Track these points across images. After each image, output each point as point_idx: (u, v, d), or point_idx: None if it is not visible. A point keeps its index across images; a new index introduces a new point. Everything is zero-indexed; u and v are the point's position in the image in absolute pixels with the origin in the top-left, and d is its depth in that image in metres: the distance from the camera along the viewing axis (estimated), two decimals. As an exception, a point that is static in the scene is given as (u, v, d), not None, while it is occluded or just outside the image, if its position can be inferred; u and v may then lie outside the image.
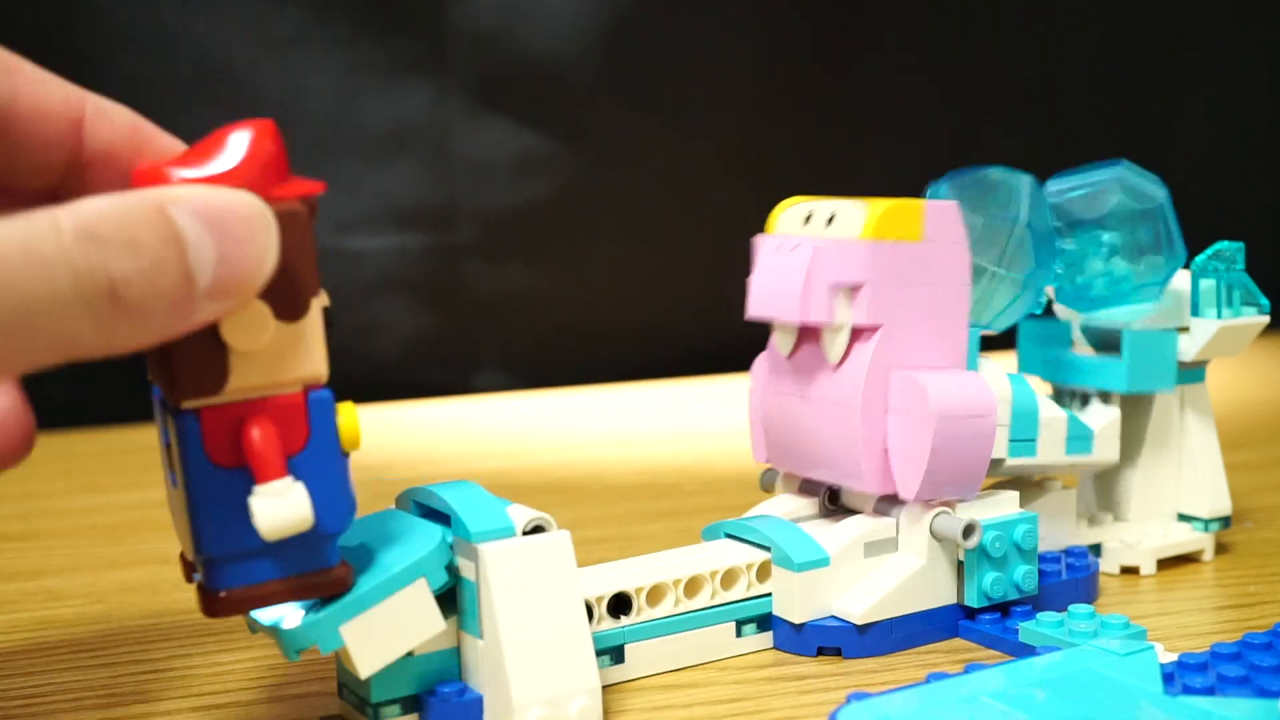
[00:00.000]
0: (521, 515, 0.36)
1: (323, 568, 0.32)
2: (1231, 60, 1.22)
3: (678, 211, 1.06)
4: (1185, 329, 0.50)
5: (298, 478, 0.31)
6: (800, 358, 0.44)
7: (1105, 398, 0.49)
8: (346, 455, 0.32)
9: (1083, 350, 0.51)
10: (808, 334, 0.43)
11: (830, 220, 0.42)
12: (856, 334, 0.42)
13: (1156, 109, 1.21)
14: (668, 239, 1.07)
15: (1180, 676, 0.36)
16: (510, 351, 1.06)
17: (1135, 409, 0.51)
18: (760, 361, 0.46)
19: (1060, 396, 0.51)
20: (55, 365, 0.27)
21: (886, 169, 1.15)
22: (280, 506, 0.30)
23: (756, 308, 0.43)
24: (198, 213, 0.28)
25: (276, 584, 0.32)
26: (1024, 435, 0.46)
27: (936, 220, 0.42)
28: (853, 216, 0.41)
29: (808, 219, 0.43)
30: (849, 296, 0.42)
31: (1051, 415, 0.46)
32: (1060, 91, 1.15)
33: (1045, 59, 1.17)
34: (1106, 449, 0.48)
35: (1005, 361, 0.48)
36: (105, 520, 0.64)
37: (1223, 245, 0.49)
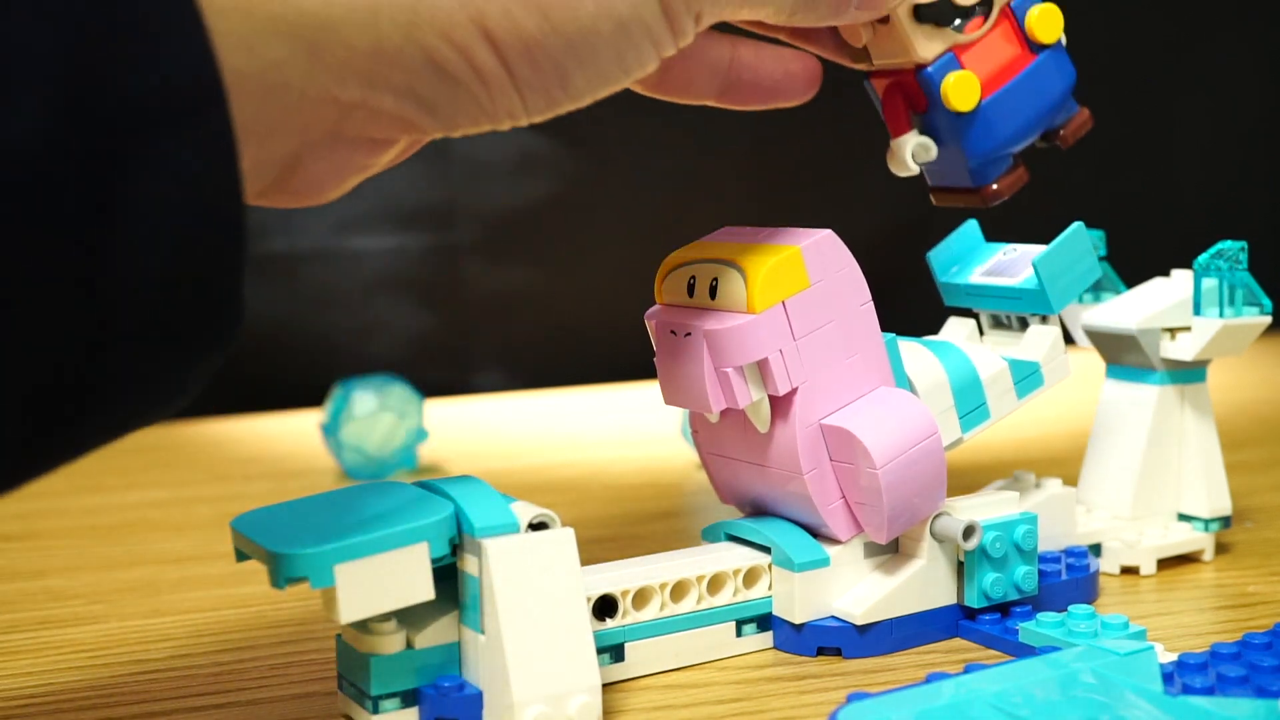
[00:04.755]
0: (525, 511, 0.37)
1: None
2: (1232, 60, 1.23)
3: (678, 212, 1.06)
4: (1187, 328, 0.50)
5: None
6: (731, 422, 0.43)
7: (1044, 316, 0.48)
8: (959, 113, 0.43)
9: (999, 279, 0.49)
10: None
11: (713, 289, 0.41)
12: (777, 397, 0.41)
13: (1156, 109, 1.21)
14: (668, 239, 1.07)
15: (1180, 676, 0.36)
16: (510, 351, 1.07)
17: (1134, 405, 0.51)
18: (699, 414, 0.44)
19: (996, 320, 0.50)
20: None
21: (884, 169, 1.15)
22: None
23: (671, 399, 0.42)
24: None
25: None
26: (973, 405, 0.45)
27: (817, 258, 0.41)
28: (735, 284, 0.40)
29: (690, 287, 0.42)
30: (757, 371, 0.41)
31: (992, 372, 0.46)
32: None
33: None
34: (1057, 372, 0.47)
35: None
36: (105, 520, 0.64)
37: (1225, 245, 0.49)
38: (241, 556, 0.36)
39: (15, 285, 0.24)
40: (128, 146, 0.25)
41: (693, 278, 0.42)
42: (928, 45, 0.42)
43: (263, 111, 0.29)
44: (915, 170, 0.44)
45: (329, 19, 0.29)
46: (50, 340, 0.25)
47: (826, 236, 0.41)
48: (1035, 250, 0.47)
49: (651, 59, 0.35)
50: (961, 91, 0.42)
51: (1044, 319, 0.48)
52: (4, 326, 0.24)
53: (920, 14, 0.42)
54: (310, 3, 0.29)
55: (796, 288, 0.40)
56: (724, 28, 0.41)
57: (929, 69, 0.42)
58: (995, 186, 0.45)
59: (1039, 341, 0.47)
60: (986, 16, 0.43)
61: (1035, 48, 0.44)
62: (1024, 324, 0.49)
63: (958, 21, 0.43)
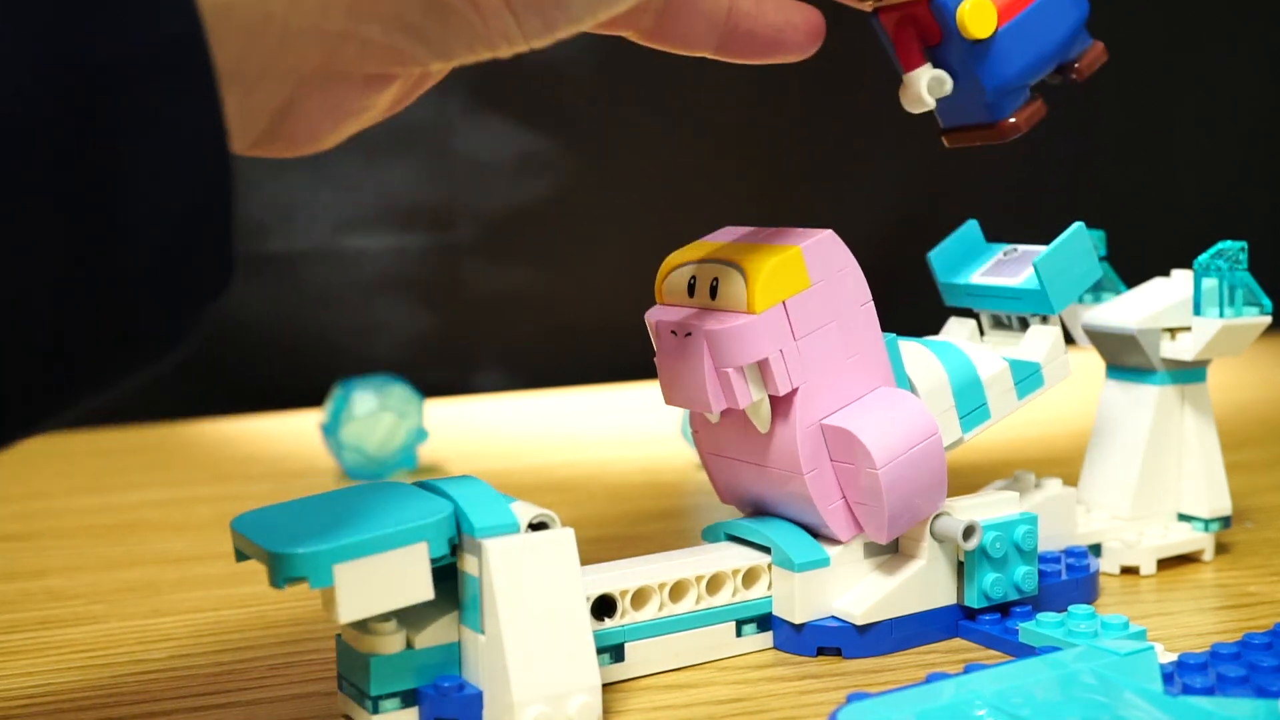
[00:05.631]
0: (525, 511, 0.37)
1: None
2: (1231, 60, 1.22)
3: (677, 211, 1.06)
4: (1187, 328, 0.50)
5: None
6: (731, 422, 0.43)
7: (1044, 316, 0.48)
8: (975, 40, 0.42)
9: (1000, 279, 0.49)
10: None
11: (714, 289, 0.41)
12: (778, 397, 0.41)
13: (1156, 109, 1.21)
14: (667, 239, 1.07)
15: (1180, 676, 0.36)
16: (510, 351, 1.07)
17: (1134, 405, 0.51)
18: (699, 414, 0.44)
19: (997, 320, 0.50)
20: None
21: (885, 169, 1.15)
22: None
23: (672, 400, 0.42)
24: None
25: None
26: (973, 405, 0.45)
27: (818, 258, 0.41)
28: (736, 285, 0.40)
29: (691, 286, 0.42)
30: (758, 370, 0.41)
31: (993, 372, 0.46)
32: (1059, 91, 1.15)
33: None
34: (1057, 372, 0.47)
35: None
36: (105, 520, 0.64)
37: (1225, 245, 0.49)
38: (241, 556, 0.36)
39: (6, 244, 0.24)
40: (111, 101, 0.25)
41: (693, 277, 0.41)
42: None
43: (248, 51, 0.29)
44: (930, 105, 0.44)
45: None
46: (44, 294, 0.25)
47: (827, 236, 0.41)
48: (1036, 250, 0.47)
49: None
50: (979, 17, 0.42)
51: (1044, 319, 0.48)
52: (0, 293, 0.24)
53: None
54: None
55: (797, 288, 0.40)
56: None
57: None
58: (1013, 120, 0.44)
59: (1039, 342, 0.47)
60: None
61: None
62: (1024, 324, 0.49)
63: None
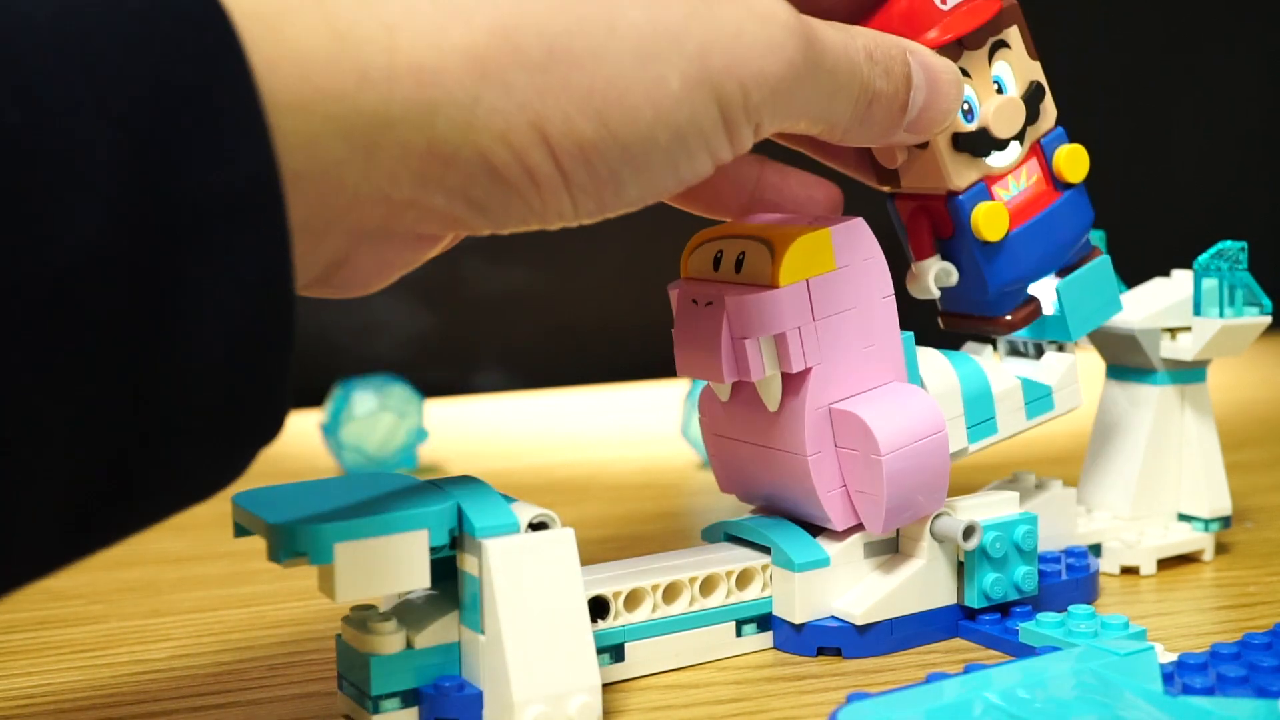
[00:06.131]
0: (525, 511, 0.37)
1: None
2: (1230, 61, 1.23)
3: (678, 211, 1.06)
4: (1187, 328, 0.50)
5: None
6: (740, 401, 0.43)
7: (1060, 344, 0.48)
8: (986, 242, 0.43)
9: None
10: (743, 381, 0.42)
11: (739, 262, 0.41)
12: (790, 376, 0.41)
13: (1156, 109, 1.21)
14: (668, 239, 1.07)
15: (1180, 676, 0.36)
16: (510, 351, 1.07)
17: (1135, 405, 0.51)
18: (708, 394, 0.45)
19: (1013, 346, 0.50)
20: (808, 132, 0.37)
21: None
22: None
23: (685, 369, 0.42)
24: (923, 65, 0.39)
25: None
26: (981, 417, 0.45)
27: (846, 242, 0.41)
28: (762, 258, 0.40)
29: (717, 260, 0.42)
30: (774, 346, 0.41)
31: (1005, 387, 0.46)
32: (1059, 92, 1.15)
33: (1044, 59, 1.17)
34: (1068, 399, 0.48)
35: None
36: (105, 520, 0.64)
37: (1225, 245, 0.49)
38: (240, 531, 0.36)
39: (72, 384, 0.24)
40: (185, 248, 0.25)
41: (719, 252, 0.42)
42: (962, 174, 0.43)
43: (317, 210, 0.30)
44: (935, 294, 0.45)
45: (387, 118, 0.29)
46: (102, 437, 0.25)
47: (858, 223, 0.42)
48: (1054, 279, 0.48)
49: (707, 167, 0.34)
50: (992, 222, 0.43)
51: (1060, 346, 0.48)
52: (60, 424, 0.24)
53: (958, 142, 0.42)
54: (368, 101, 0.29)
55: (822, 268, 0.41)
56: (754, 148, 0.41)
57: (961, 197, 0.43)
58: (1010, 318, 0.46)
59: (1054, 367, 0.48)
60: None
61: (1061, 185, 0.45)
62: (1040, 351, 0.49)
63: (992, 154, 0.43)
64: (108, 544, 0.27)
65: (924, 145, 0.43)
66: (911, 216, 0.45)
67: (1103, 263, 0.47)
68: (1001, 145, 0.44)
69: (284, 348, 0.27)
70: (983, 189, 0.43)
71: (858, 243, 0.41)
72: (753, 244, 0.41)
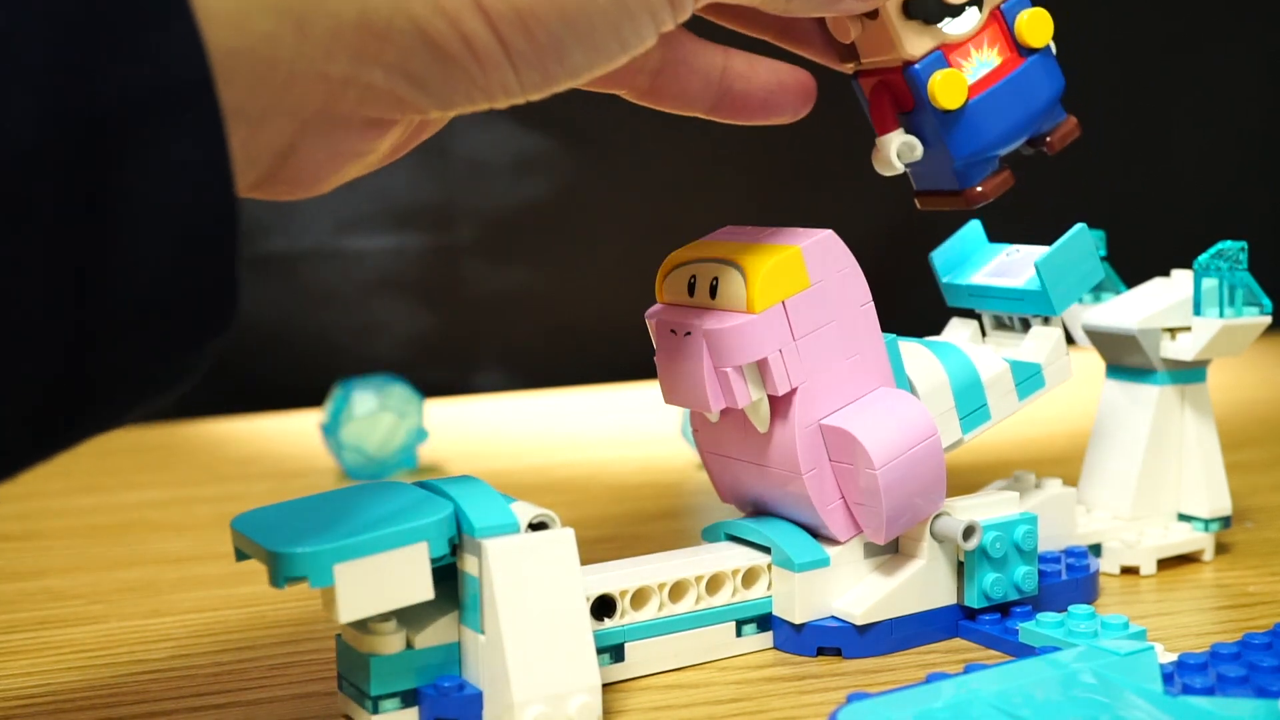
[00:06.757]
0: (525, 511, 0.37)
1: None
2: (1230, 60, 1.22)
3: (678, 212, 1.06)
4: (1187, 328, 0.50)
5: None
6: (731, 422, 0.43)
7: (1046, 318, 0.48)
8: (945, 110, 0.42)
9: (1001, 280, 0.49)
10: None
11: (714, 288, 0.41)
12: (777, 397, 0.41)
13: (1156, 109, 1.21)
14: (668, 239, 1.07)
15: (1180, 676, 0.36)
16: (510, 351, 1.07)
17: (1135, 405, 0.51)
18: (698, 413, 0.44)
19: (999, 321, 0.50)
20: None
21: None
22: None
23: (671, 399, 0.42)
24: None
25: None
26: (973, 406, 0.45)
27: (818, 258, 0.41)
28: (736, 284, 0.40)
29: (691, 286, 0.42)
30: (758, 370, 0.41)
31: (994, 373, 0.46)
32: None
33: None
34: (1058, 374, 0.47)
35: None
36: (105, 520, 0.64)
37: (1225, 245, 0.49)
38: (241, 556, 0.36)
39: (10, 286, 0.24)
40: (118, 140, 0.25)
41: (693, 277, 0.41)
42: (916, 42, 0.42)
43: (253, 93, 0.29)
44: (900, 169, 0.44)
45: None
46: (48, 337, 0.25)
47: (827, 236, 0.41)
48: (1038, 251, 0.47)
49: (650, 34, 0.34)
50: (949, 89, 0.42)
51: (1046, 320, 0.48)
52: (4, 321, 0.24)
53: (909, 10, 0.41)
54: None
55: (797, 288, 0.40)
56: (718, 37, 0.41)
57: (916, 66, 0.42)
58: (980, 189, 0.44)
59: (1041, 343, 0.47)
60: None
61: (1024, 51, 0.44)
62: (1026, 325, 0.49)
63: (946, 20, 0.42)
64: (75, 442, 0.27)
65: (874, 15, 0.41)
66: (873, 92, 0.44)
67: (1080, 233, 0.47)
68: (955, 11, 0.42)
69: (228, 237, 0.27)
70: (939, 57, 0.42)
71: (830, 256, 0.41)
72: (725, 268, 0.41)
